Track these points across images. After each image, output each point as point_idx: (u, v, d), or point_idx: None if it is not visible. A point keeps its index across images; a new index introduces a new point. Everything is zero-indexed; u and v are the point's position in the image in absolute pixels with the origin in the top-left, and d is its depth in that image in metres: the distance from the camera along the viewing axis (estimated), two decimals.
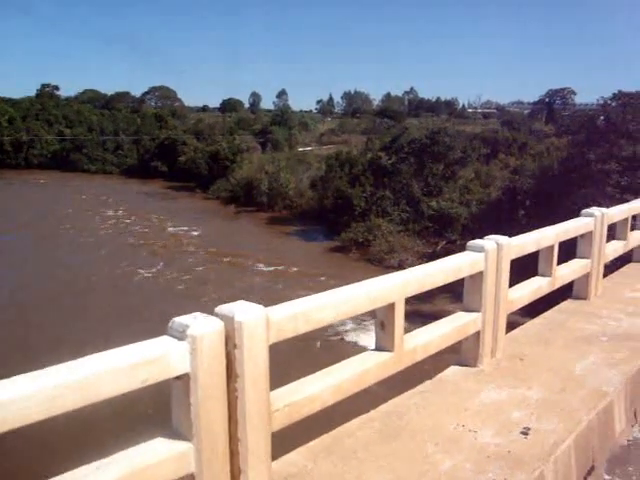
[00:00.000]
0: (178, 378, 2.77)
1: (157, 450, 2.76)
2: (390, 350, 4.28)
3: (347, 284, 4.08)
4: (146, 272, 37.29)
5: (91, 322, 27.04)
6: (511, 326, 6.32)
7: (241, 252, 41.32)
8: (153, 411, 15.63)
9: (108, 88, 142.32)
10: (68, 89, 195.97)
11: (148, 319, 25.44)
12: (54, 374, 2.24)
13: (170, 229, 50.59)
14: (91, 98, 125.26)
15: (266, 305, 3.25)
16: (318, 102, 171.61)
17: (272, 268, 37.75)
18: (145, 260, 39.93)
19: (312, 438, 4.12)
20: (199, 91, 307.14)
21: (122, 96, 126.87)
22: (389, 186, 45.01)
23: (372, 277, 4.33)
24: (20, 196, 67.29)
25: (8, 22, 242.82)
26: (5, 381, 2.06)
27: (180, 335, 2.76)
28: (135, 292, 32.93)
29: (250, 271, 37.67)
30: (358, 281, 4.15)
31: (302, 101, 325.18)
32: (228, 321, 2.93)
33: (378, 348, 4.36)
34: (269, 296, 24.84)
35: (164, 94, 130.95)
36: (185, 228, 50.42)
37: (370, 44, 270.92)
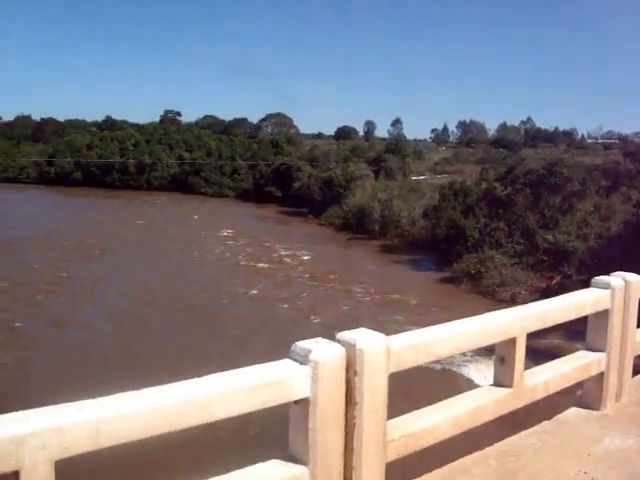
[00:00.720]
0: (297, 402, 2.80)
1: (273, 472, 2.81)
2: (509, 386, 4.14)
3: (460, 316, 4.04)
4: (255, 291, 38.95)
5: (205, 337, 28.65)
6: (638, 369, 5.89)
7: (350, 278, 42.33)
8: (254, 433, 16.55)
9: (227, 114, 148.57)
10: (189, 115, 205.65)
11: (258, 335, 26.87)
12: (181, 390, 2.30)
13: (281, 252, 52.33)
14: (210, 124, 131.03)
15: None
16: (432, 131, 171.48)
17: (381, 296, 38.31)
18: (254, 280, 41.70)
19: (411, 471, 3.98)
20: (314, 119, 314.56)
21: (240, 122, 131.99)
22: (503, 217, 44.84)
23: (484, 310, 4.40)
24: (139, 215, 71.60)
25: (139, 54, 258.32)
26: (135, 393, 2.12)
27: (302, 359, 2.79)
28: (245, 311, 34.45)
29: (359, 297, 38.53)
30: (470, 313, 4.11)
31: (416, 130, 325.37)
32: (349, 348, 2.94)
33: (496, 384, 4.24)
34: (379, 324, 25.46)
35: (280, 121, 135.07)
36: (296, 252, 51.96)
37: (486, 73, 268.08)
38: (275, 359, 2.83)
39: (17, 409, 1.84)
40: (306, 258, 50.32)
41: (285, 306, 36.09)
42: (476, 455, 4.28)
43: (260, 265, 47.01)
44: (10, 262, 44.15)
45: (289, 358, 2.85)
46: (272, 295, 38.28)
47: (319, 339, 2.97)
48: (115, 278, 41.48)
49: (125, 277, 41.76)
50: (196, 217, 71.70)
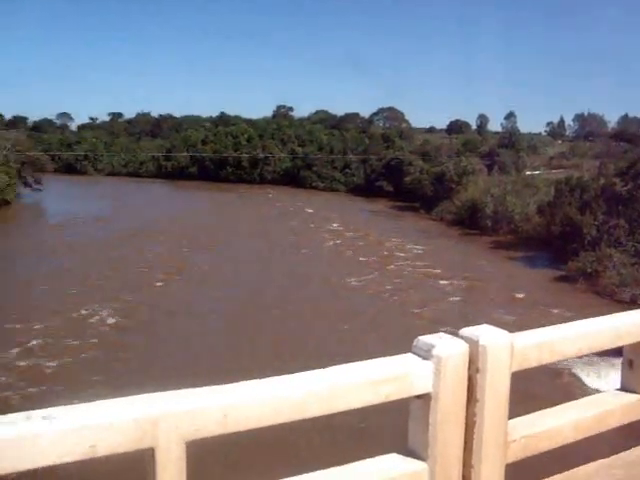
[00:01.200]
0: (419, 397, 2.81)
1: (393, 465, 2.85)
2: (638, 392, 3.92)
3: (579, 317, 3.90)
4: (364, 284, 40.31)
5: (316, 329, 30.08)
6: None
7: (462, 274, 42.57)
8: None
9: (339, 109, 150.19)
10: (302, 110, 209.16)
11: (370, 328, 28.02)
12: (305, 381, 2.33)
13: (392, 246, 53.22)
14: (322, 118, 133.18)
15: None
16: (548, 124, 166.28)
17: (495, 292, 38.46)
18: (364, 273, 42.89)
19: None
20: (426, 113, 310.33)
21: (351, 117, 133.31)
22: (623, 215, 43.73)
23: (603, 311, 4.19)
24: (251, 207, 74.79)
25: (251, 50, 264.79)
26: (260, 381, 2.17)
27: (425, 354, 2.79)
28: (356, 304, 35.62)
29: (470, 293, 38.76)
30: (588, 314, 4.00)
31: (531, 123, 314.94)
32: (472, 344, 2.93)
33: (624, 388, 4.01)
34: (492, 321, 25.95)
35: (392, 115, 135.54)
36: (407, 246, 52.73)
37: (608, 62, 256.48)
38: (388, 352, 2.84)
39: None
40: (417, 252, 51.05)
41: (395, 298, 36.98)
42: (600, 463, 3.99)
43: (371, 259, 48.08)
44: (133, 249, 48.31)
45: (411, 352, 2.84)
46: (382, 288, 39.34)
47: (442, 334, 2.96)
48: (228, 268, 43.84)
49: (237, 268, 44.00)
50: (310, 210, 73.84)
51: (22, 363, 25.92)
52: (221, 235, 55.73)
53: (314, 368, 2.42)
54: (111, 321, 31.47)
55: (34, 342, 27.94)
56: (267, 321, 31.74)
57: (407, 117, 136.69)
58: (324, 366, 2.49)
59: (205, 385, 2.10)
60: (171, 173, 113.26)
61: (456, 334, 3.01)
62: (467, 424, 2.94)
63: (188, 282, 40.14)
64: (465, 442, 2.95)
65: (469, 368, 2.89)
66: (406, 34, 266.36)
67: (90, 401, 1.75)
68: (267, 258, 47.05)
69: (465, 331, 3.01)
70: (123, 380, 22.18)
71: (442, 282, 41.33)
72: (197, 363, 25.10)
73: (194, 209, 73.66)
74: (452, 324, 26.06)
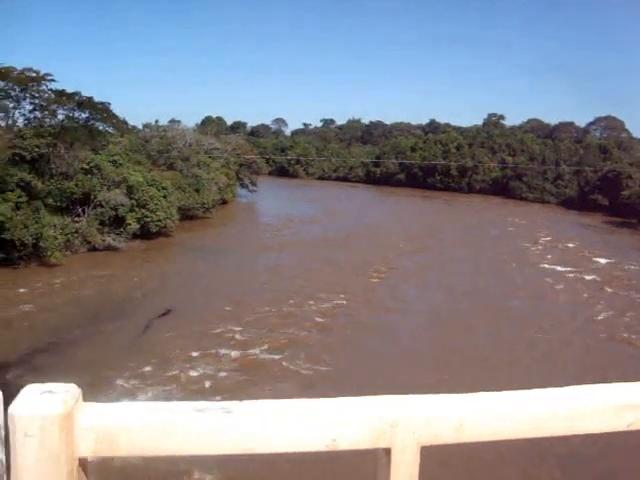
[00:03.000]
0: None
1: None
2: None
3: None
4: (572, 299, 40.43)
5: (522, 345, 30.86)
6: None
7: None
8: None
9: (552, 118, 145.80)
10: (513, 118, 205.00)
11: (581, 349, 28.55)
12: (544, 398, 2.16)
13: (603, 263, 51.55)
14: (534, 127, 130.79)
15: None
16: None
17: None
18: (572, 288, 42.63)
19: None
20: None
21: (565, 126, 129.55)
22: None
23: None
24: (456, 216, 76.18)
25: (462, 57, 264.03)
26: (498, 394, 2.04)
27: None
28: (565, 321, 35.70)
29: None
30: None
31: None
32: None
33: None
34: None
35: (610, 124, 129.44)
36: (620, 265, 50.81)
37: None
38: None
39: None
40: (633, 270, 49.09)
41: (600, 317, 36.36)
42: None
43: (582, 276, 47.11)
44: (343, 250, 52.73)
45: None
46: (590, 309, 38.53)
47: None
48: (433, 272, 45.83)
49: (440, 272, 45.89)
50: (515, 220, 73.57)
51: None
52: (425, 241, 58.01)
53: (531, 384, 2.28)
54: (323, 311, 36.04)
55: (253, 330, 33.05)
56: (469, 329, 33.05)
57: (627, 126, 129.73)
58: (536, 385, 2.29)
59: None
60: (379, 179, 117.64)
61: None
62: None
63: (398, 281, 43.76)
64: None
65: None
66: (627, 40, 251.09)
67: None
68: (470, 266, 48.33)
69: None
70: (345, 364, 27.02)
71: None
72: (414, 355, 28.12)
73: (400, 215, 77.27)
74: None
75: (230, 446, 1.65)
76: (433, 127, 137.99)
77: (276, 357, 27.47)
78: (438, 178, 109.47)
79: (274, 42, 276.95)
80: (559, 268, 49.27)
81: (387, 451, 1.78)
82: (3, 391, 1.54)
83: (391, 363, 26.55)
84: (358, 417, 1.75)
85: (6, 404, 1.52)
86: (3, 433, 1.52)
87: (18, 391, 1.50)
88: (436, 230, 64.90)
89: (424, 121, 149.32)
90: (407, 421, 1.78)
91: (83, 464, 1.57)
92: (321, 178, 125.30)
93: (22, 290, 37.16)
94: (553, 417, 2.06)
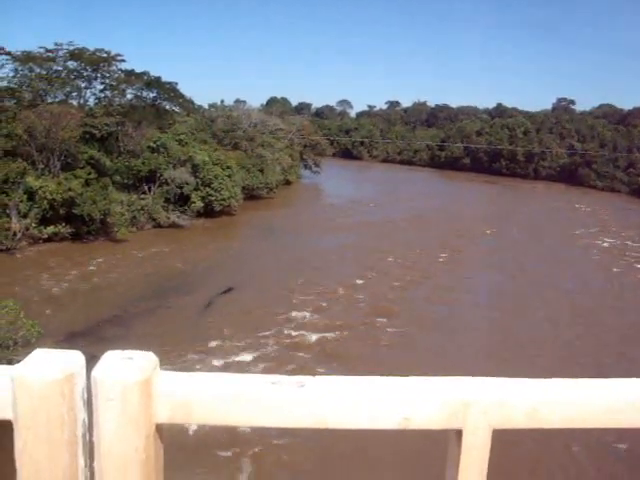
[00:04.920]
0: None
1: None
2: None
3: None
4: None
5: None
6: None
7: None
8: None
9: (625, 103, 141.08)
10: (584, 104, 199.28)
11: None
12: (619, 387, 2.00)
13: None
14: (606, 113, 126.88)
15: None
16: None
17: None
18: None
19: None
20: None
21: None
22: None
23: None
24: (521, 202, 74.68)
25: (531, 41, 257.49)
26: (570, 380, 1.94)
27: None
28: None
29: None
30: None
31: None
32: None
33: None
34: None
35: None
36: None
37: None
38: None
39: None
40: None
41: None
42: None
43: None
44: (406, 232, 52.53)
45: None
46: None
47: None
48: (498, 258, 45.76)
49: (505, 257, 44.95)
50: (581, 207, 71.77)
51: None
52: (493, 225, 57.08)
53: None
54: (396, 286, 35.83)
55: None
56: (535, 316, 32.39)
57: None
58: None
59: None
60: (443, 163, 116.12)
61: None
62: None
63: (462, 264, 43.40)
64: None
65: None
66: None
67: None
68: (538, 254, 47.36)
69: None
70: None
71: None
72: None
73: (465, 199, 76.41)
74: None
75: (302, 420, 1.65)
76: (500, 111, 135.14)
77: (332, 337, 27.70)
78: (504, 163, 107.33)
79: (340, 25, 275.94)
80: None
81: (458, 432, 1.74)
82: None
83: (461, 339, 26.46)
84: (431, 397, 1.71)
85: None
86: (86, 395, 1.56)
87: (87, 360, 1.54)
88: (504, 215, 63.98)
89: (491, 105, 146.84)
90: (480, 403, 1.74)
91: (159, 430, 1.59)
92: (385, 161, 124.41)
93: (90, 263, 38.33)
94: (631, 407, 1.91)
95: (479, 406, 1.74)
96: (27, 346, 19.48)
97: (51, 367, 1.53)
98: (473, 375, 1.77)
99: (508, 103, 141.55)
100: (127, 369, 1.53)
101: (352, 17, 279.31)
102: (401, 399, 1.68)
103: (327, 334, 28.01)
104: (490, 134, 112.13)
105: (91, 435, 1.55)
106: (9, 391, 1.52)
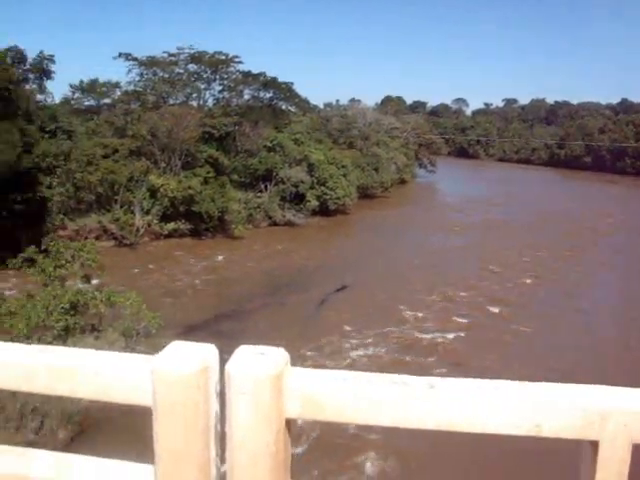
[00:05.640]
0: None
1: None
2: None
3: None
4: None
5: None
6: None
7: None
8: None
9: None
10: None
11: None
12: None
13: None
14: None
15: None
16: None
17: None
18: None
19: None
20: None
21: None
22: None
23: None
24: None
25: None
26: None
27: None
28: None
29: None
30: None
31: None
32: None
33: None
34: None
35: None
36: None
37: None
38: None
39: None
40: None
41: None
42: None
43: None
44: (528, 233, 50.29)
45: None
46: None
47: None
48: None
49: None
50: None
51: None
52: (608, 230, 53.95)
53: None
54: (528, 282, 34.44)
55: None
56: None
57: None
58: None
59: None
60: (563, 162, 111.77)
61: None
62: None
63: (589, 267, 40.83)
64: None
65: None
66: None
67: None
68: None
69: None
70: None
71: None
72: None
73: (589, 200, 72.86)
74: None
75: (432, 421, 1.60)
76: (625, 107, 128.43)
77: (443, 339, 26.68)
78: (629, 162, 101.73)
79: (458, 24, 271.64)
80: None
81: (594, 444, 1.62)
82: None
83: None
84: (565, 404, 1.62)
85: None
86: (218, 387, 1.62)
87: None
88: (624, 220, 60.37)
89: (615, 100, 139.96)
90: (619, 414, 1.60)
91: (288, 425, 1.60)
92: (501, 160, 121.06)
93: (208, 259, 39.13)
94: None
95: (619, 417, 1.61)
96: (148, 336, 20.19)
97: (189, 359, 1.60)
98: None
99: (634, 97, 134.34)
100: (260, 364, 1.56)
101: (471, 16, 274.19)
102: (533, 405, 1.60)
103: (446, 334, 27.04)
104: (614, 131, 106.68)
105: (222, 426, 1.60)
106: (149, 380, 1.61)
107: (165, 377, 1.57)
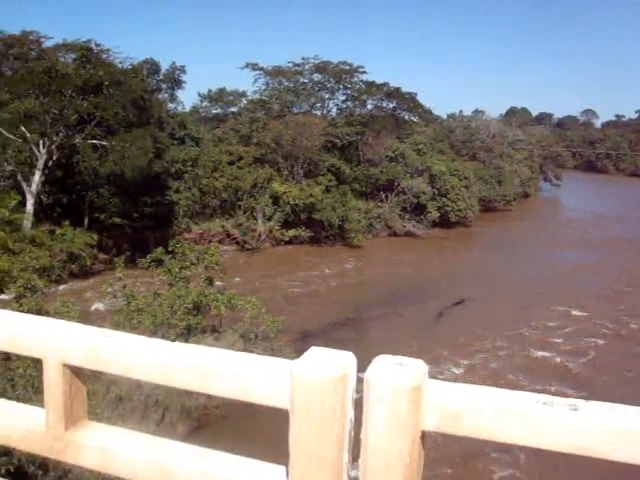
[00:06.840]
0: None
1: None
2: None
3: None
4: None
5: None
6: None
7: None
8: None
9: None
10: None
11: None
12: None
13: None
14: None
15: None
16: None
17: None
18: None
19: None
20: None
21: None
22: None
23: None
24: None
25: None
26: None
27: None
28: None
29: None
30: None
31: None
32: None
33: None
34: None
35: None
36: None
37: None
38: None
39: None
40: None
41: None
42: None
43: None
44: None
45: None
46: None
47: None
48: None
49: None
50: None
51: None
52: None
53: None
54: None
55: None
56: None
57: None
58: None
59: None
60: None
61: None
62: None
63: None
64: None
65: None
66: None
67: None
68: None
69: None
70: None
71: None
72: None
73: None
74: None
75: (574, 445, 1.48)
76: None
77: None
78: None
79: (587, 35, 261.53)
80: None
81: None
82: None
83: None
84: None
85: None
86: (355, 395, 1.60)
87: None
88: None
89: None
90: None
91: (423, 436, 1.57)
92: (633, 175, 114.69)
93: (326, 268, 39.25)
94: None
95: None
96: (266, 340, 20.45)
97: (328, 366, 1.60)
98: None
99: None
100: (398, 374, 1.54)
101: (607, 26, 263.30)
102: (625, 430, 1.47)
103: (569, 358, 25.58)
104: None
105: (357, 433, 1.58)
106: (287, 383, 1.62)
107: (305, 381, 1.59)
